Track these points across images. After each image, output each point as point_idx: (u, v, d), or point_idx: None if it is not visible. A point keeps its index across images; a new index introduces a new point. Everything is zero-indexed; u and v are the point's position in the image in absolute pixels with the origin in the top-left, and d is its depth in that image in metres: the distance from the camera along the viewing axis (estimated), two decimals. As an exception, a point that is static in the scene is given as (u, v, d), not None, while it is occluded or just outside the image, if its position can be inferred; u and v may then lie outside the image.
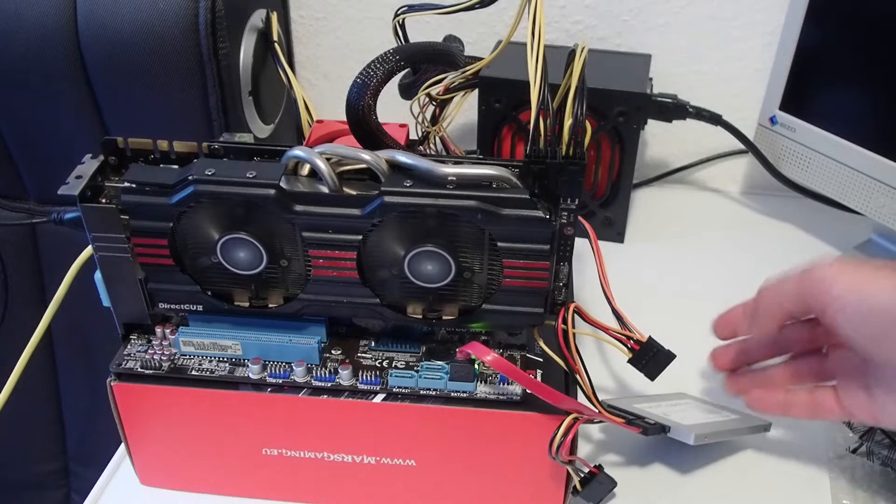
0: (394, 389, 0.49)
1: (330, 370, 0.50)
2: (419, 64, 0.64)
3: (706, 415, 0.57)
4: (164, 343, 0.52)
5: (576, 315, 0.49)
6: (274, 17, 0.77)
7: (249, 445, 0.52)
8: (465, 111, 0.74)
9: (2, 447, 0.97)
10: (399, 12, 0.65)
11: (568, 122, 0.47)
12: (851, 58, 0.71)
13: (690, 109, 0.79)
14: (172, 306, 0.50)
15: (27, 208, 0.85)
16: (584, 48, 0.50)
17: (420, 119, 0.67)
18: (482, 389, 0.49)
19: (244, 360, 0.51)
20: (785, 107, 0.76)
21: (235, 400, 0.50)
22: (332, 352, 0.51)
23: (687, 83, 0.86)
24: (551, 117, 0.46)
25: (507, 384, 0.49)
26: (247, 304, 0.50)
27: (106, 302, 0.50)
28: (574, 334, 0.48)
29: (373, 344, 0.51)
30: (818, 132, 0.74)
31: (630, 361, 0.50)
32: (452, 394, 0.49)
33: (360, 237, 0.46)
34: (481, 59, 0.63)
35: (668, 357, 0.50)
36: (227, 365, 0.51)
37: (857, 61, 0.71)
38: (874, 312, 0.42)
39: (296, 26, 0.90)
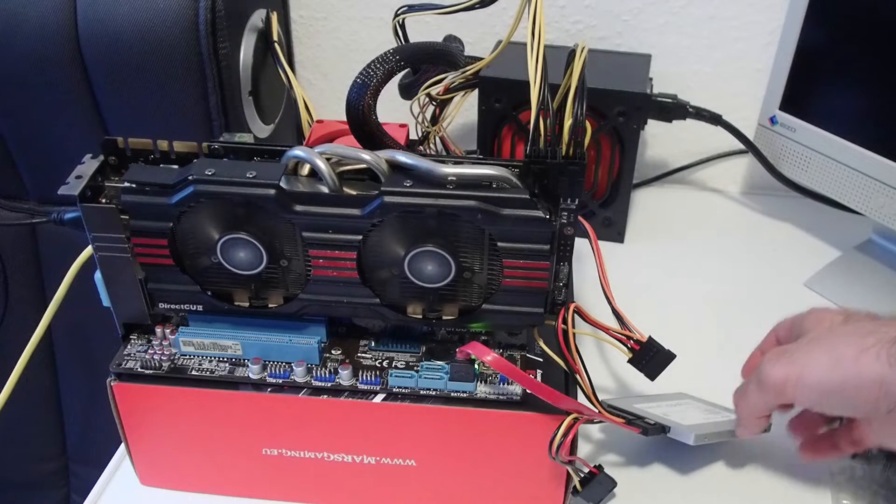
0: (394, 389, 0.49)
1: (330, 370, 0.50)
2: (419, 64, 0.64)
3: (706, 415, 0.57)
4: (164, 343, 0.52)
5: (576, 315, 0.49)
6: (274, 17, 0.77)
7: (249, 445, 0.52)
8: (465, 111, 0.74)
9: (2, 447, 0.97)
10: (399, 12, 0.65)
11: (568, 122, 0.47)
12: (851, 58, 0.71)
13: (690, 109, 0.79)
14: (172, 306, 0.50)
15: (27, 208, 0.85)
16: (584, 48, 0.50)
17: (420, 119, 0.67)
18: (482, 389, 0.49)
19: (244, 360, 0.51)
20: (785, 107, 0.76)
21: (235, 400, 0.50)
22: (332, 352, 0.51)
23: (687, 83, 0.86)
24: (551, 117, 0.46)
25: (507, 384, 0.49)
26: (247, 304, 0.50)
27: (106, 302, 0.50)
28: (574, 334, 0.48)
29: (373, 344, 0.51)
30: (818, 132, 0.74)
31: (630, 361, 0.50)
32: (452, 394, 0.49)
33: (360, 237, 0.46)
34: (481, 59, 0.63)
35: (668, 357, 0.50)
36: (227, 365, 0.51)
37: (857, 61, 0.71)
38: (829, 393, 0.47)
39: (296, 26, 0.90)
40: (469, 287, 0.48)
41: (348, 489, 0.54)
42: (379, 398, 0.49)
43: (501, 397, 0.49)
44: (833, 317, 0.53)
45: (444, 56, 0.63)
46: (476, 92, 0.72)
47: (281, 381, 0.50)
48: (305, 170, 0.47)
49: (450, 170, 0.45)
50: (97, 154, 0.49)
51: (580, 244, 0.50)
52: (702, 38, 0.84)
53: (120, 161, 0.49)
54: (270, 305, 0.50)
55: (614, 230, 0.81)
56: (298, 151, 0.47)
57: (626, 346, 0.50)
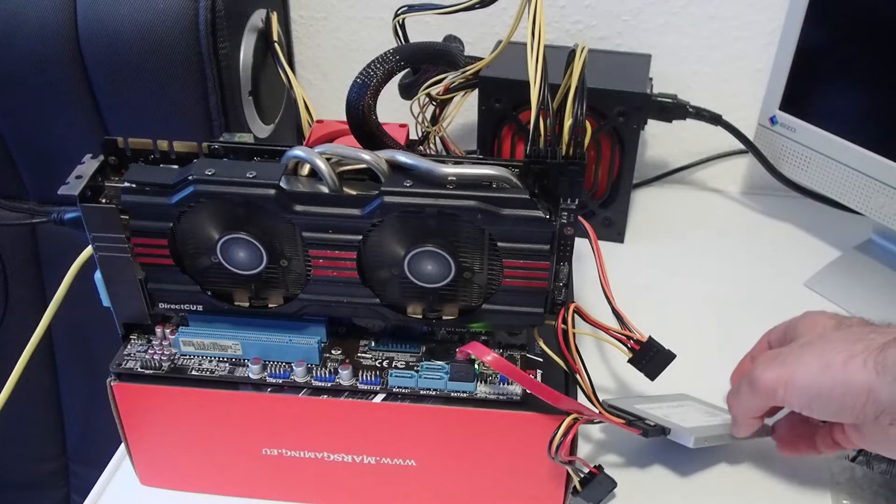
0: (394, 389, 0.49)
1: (330, 370, 0.50)
2: (419, 64, 0.64)
3: (707, 417, 0.57)
4: (164, 343, 0.52)
5: (576, 315, 0.49)
6: (274, 17, 0.77)
7: (249, 445, 0.52)
8: (465, 111, 0.74)
9: (2, 447, 0.97)
10: (399, 12, 0.65)
11: (568, 122, 0.47)
12: (851, 58, 0.71)
13: (690, 109, 0.79)
14: (172, 306, 0.50)
15: (27, 208, 0.85)
16: (584, 48, 0.50)
17: (420, 119, 0.67)
18: (482, 389, 0.49)
19: (244, 360, 0.51)
20: (785, 107, 0.76)
21: (235, 400, 0.50)
22: (332, 352, 0.51)
23: (687, 83, 0.86)
24: (551, 117, 0.46)
25: (507, 384, 0.49)
26: (247, 304, 0.50)
27: (106, 302, 0.50)
28: (574, 334, 0.48)
29: (373, 344, 0.51)
30: (818, 132, 0.74)
31: (630, 361, 0.50)
32: (452, 394, 0.49)
33: (360, 237, 0.46)
34: (481, 59, 0.63)
35: (668, 357, 0.50)
36: (227, 365, 0.51)
37: (857, 61, 0.71)
38: (817, 397, 0.48)
39: (296, 26, 0.90)
40: (469, 287, 0.48)
41: (348, 489, 0.54)
42: (379, 398, 0.49)
43: (501, 397, 0.49)
44: (826, 321, 0.53)
45: (444, 56, 0.63)
46: (476, 92, 0.72)
47: (281, 381, 0.50)
48: (305, 170, 0.47)
49: (450, 170, 0.45)
50: (97, 154, 0.49)
51: (580, 244, 0.50)
52: (702, 38, 0.84)
53: (120, 161, 0.49)
54: (270, 305, 0.50)
55: (614, 230, 0.81)
56: (298, 151, 0.47)
57: (626, 346, 0.50)
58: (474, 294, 0.48)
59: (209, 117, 0.73)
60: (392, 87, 0.58)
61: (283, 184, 0.45)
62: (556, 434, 0.47)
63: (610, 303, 0.51)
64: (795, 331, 0.55)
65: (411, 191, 0.45)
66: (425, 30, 0.74)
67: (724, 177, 0.92)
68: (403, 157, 0.46)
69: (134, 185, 0.46)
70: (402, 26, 0.66)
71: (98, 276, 0.49)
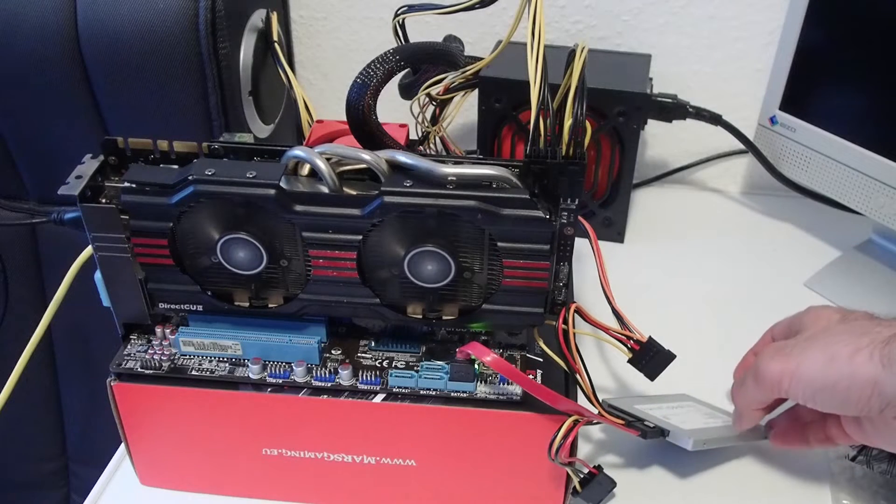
0: (394, 389, 0.49)
1: (330, 370, 0.50)
2: (419, 64, 0.64)
3: (707, 419, 0.57)
4: (164, 343, 0.52)
5: (576, 315, 0.49)
6: (274, 17, 0.77)
7: (249, 445, 0.52)
8: (465, 111, 0.74)
9: (2, 447, 0.97)
10: (399, 12, 0.65)
11: (568, 122, 0.47)
12: (851, 58, 0.71)
13: (690, 109, 0.79)
14: (172, 306, 0.50)
15: (27, 208, 0.85)
16: (584, 48, 0.50)
17: (420, 119, 0.67)
18: (482, 389, 0.49)
19: (244, 360, 0.51)
20: (785, 107, 0.76)
21: (235, 400, 0.50)
22: (332, 352, 0.51)
23: (687, 83, 0.86)
24: (551, 117, 0.46)
25: (507, 384, 0.49)
26: (247, 304, 0.50)
27: (106, 302, 0.50)
28: (574, 334, 0.48)
29: (373, 344, 0.51)
30: (818, 132, 0.74)
31: (630, 361, 0.50)
32: (452, 394, 0.49)
33: (360, 237, 0.46)
34: (481, 59, 0.63)
35: (668, 357, 0.50)
36: (227, 365, 0.51)
37: (857, 61, 0.71)
38: (822, 390, 0.48)
39: (296, 26, 0.90)
40: (469, 287, 0.48)
41: (348, 489, 0.54)
42: (379, 398, 0.49)
43: (501, 397, 0.49)
44: (830, 315, 0.53)
45: (444, 56, 0.63)
46: (476, 92, 0.72)
47: (281, 381, 0.50)
48: (305, 170, 0.47)
49: (450, 170, 0.45)
50: (97, 154, 0.49)
51: (580, 244, 0.50)
52: (702, 38, 0.84)
53: (120, 161, 0.49)
54: (270, 305, 0.50)
55: (614, 230, 0.81)
56: (298, 151, 0.47)
57: (626, 346, 0.50)
58: (474, 294, 0.48)
59: (209, 117, 0.73)
60: (392, 87, 0.58)
61: (283, 184, 0.45)
62: (556, 436, 0.47)
63: (610, 303, 0.51)
64: (800, 324, 0.55)
65: (411, 191, 0.45)
66: (425, 30, 0.74)
67: (724, 177, 0.92)
68: (403, 157, 0.46)
69: (134, 185, 0.46)
70: (402, 26, 0.66)
71: (98, 276, 0.49)
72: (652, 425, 0.53)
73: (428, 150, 0.67)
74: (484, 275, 0.48)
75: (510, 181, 0.46)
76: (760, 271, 0.78)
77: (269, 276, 0.48)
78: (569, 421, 0.47)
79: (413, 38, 0.66)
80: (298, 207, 0.45)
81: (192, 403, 0.51)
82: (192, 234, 0.47)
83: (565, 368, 0.49)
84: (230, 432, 0.52)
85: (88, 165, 0.48)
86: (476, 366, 0.49)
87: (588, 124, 0.65)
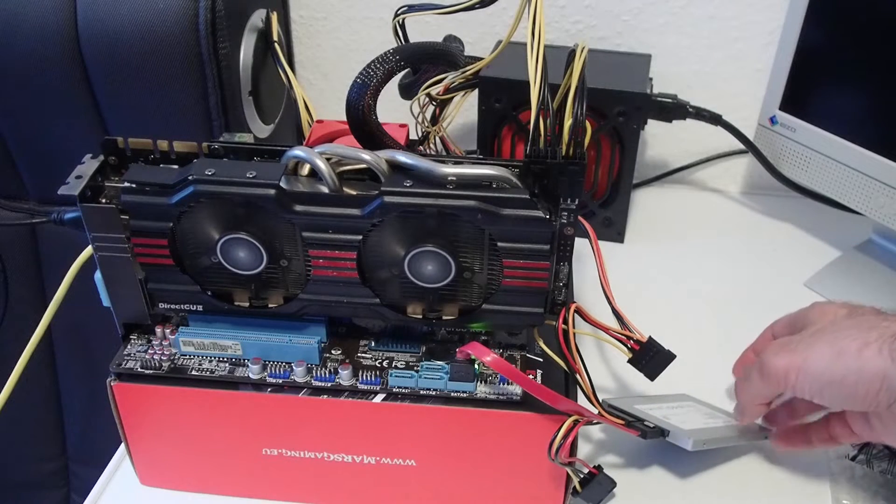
0: (394, 389, 0.49)
1: (330, 370, 0.50)
2: (419, 64, 0.64)
3: (707, 419, 0.57)
4: (164, 343, 0.52)
5: (576, 315, 0.49)
6: (274, 17, 0.77)
7: (249, 445, 0.52)
8: (465, 111, 0.74)
9: (2, 447, 0.97)
10: (399, 12, 0.65)
11: (568, 122, 0.47)
12: (851, 58, 0.71)
13: (690, 109, 0.79)
14: (172, 306, 0.50)
15: (27, 208, 0.85)
16: (584, 48, 0.50)
17: (420, 119, 0.67)
18: (482, 389, 0.49)
19: (244, 360, 0.51)
20: (785, 107, 0.76)
21: (235, 400, 0.50)
22: (332, 352, 0.51)
23: (687, 83, 0.86)
24: (551, 117, 0.46)
25: (507, 384, 0.49)
26: (247, 304, 0.50)
27: (106, 302, 0.50)
28: (574, 334, 0.48)
29: (373, 344, 0.51)
30: (818, 132, 0.74)
31: (630, 361, 0.50)
32: (452, 394, 0.49)
33: (360, 237, 0.46)
34: (481, 59, 0.63)
35: (668, 357, 0.50)
36: (227, 365, 0.51)
37: (857, 61, 0.71)
38: (830, 384, 0.47)
39: (296, 26, 0.90)
40: (469, 287, 0.48)
41: (348, 489, 0.54)
42: (379, 398, 0.49)
43: (501, 397, 0.49)
44: (837, 310, 0.53)
45: (444, 56, 0.63)
46: (476, 92, 0.72)
47: (281, 381, 0.50)
48: (305, 170, 0.47)
49: (450, 170, 0.45)
50: (97, 154, 0.49)
51: (580, 244, 0.50)
52: (702, 38, 0.84)
53: (120, 161, 0.49)
54: (270, 305, 0.50)
55: (614, 230, 0.81)
56: (298, 151, 0.47)
57: (626, 346, 0.50)
58: (474, 294, 0.48)
59: (209, 117, 0.73)
60: (392, 87, 0.58)
61: (283, 184, 0.45)
62: (556, 436, 0.47)
63: (610, 303, 0.51)
64: (804, 320, 0.55)
65: (411, 191, 0.45)
66: (425, 30, 0.74)
67: (724, 177, 0.92)
68: (403, 157, 0.46)
69: (134, 185, 0.46)
70: (402, 26, 0.66)
71: (98, 276, 0.49)
72: (652, 425, 0.53)
73: (428, 150, 0.67)
74: (484, 275, 0.48)
75: (510, 181, 0.46)
76: (760, 271, 0.78)
77: (269, 276, 0.48)
78: (569, 421, 0.47)
79: (413, 38, 0.66)
80: (298, 207, 0.45)
81: (192, 403, 0.51)
82: (192, 234, 0.47)
83: (565, 368, 0.49)
84: (230, 432, 0.52)
85: (88, 165, 0.48)
86: (476, 366, 0.49)
87: (588, 124, 0.65)
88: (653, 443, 0.55)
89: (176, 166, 0.48)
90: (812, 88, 0.74)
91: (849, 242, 0.80)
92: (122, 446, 0.54)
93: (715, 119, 0.80)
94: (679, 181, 0.92)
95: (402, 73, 0.63)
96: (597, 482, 0.51)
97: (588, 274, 0.57)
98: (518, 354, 0.51)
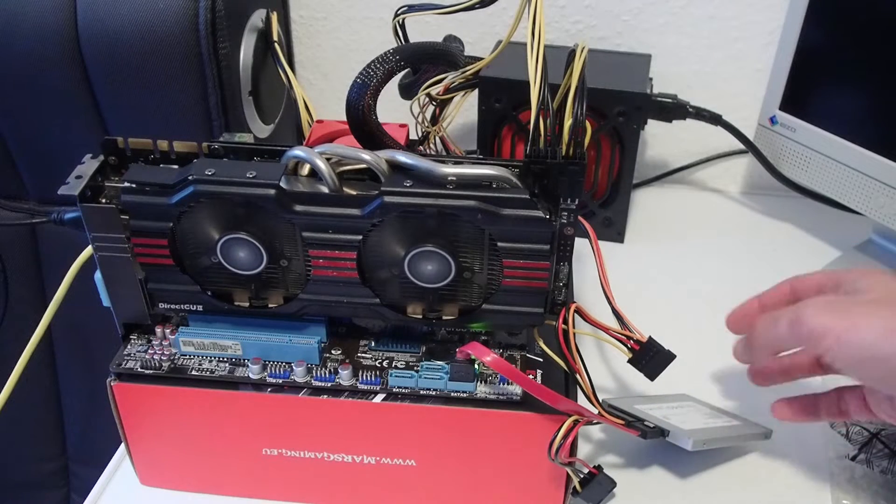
0: (394, 389, 0.49)
1: (330, 370, 0.50)
2: (419, 64, 0.64)
3: (707, 419, 0.57)
4: (164, 343, 0.52)
5: (576, 315, 0.49)
6: (274, 17, 0.77)
7: (249, 445, 0.52)
8: (465, 111, 0.74)
9: (2, 447, 0.97)
10: (399, 12, 0.65)
11: (568, 122, 0.47)
12: (851, 58, 0.71)
13: (690, 109, 0.79)
14: (172, 306, 0.50)
15: (27, 208, 0.85)
16: (584, 48, 0.50)
17: (420, 119, 0.67)
18: (482, 389, 0.49)
19: (244, 360, 0.51)
20: (785, 107, 0.76)
21: (235, 400, 0.50)
22: (332, 352, 0.51)
23: (687, 83, 0.86)
24: (551, 117, 0.46)
25: (507, 384, 0.49)
26: (247, 304, 0.50)
27: (106, 302, 0.50)
28: (574, 334, 0.48)
29: (373, 344, 0.51)
30: (818, 132, 0.74)
31: (630, 361, 0.50)
32: (452, 394, 0.49)
33: (360, 237, 0.46)
34: (481, 59, 0.63)
35: (668, 357, 0.50)
36: (227, 365, 0.51)
37: (857, 61, 0.71)
38: (872, 359, 0.44)
39: (296, 26, 0.90)
40: (469, 287, 0.48)
41: (348, 489, 0.54)
42: (379, 398, 0.49)
43: (501, 397, 0.49)
44: (891, 282, 0.49)
45: (444, 56, 0.63)
46: (476, 92, 0.72)
47: (281, 381, 0.50)
48: (305, 170, 0.47)
49: (450, 170, 0.45)
50: (97, 154, 0.49)
51: (580, 244, 0.50)
52: (702, 38, 0.84)
53: (120, 161, 0.49)
54: (270, 305, 0.50)
55: (614, 230, 0.81)
56: (298, 151, 0.47)
57: (626, 346, 0.50)
58: (474, 294, 0.48)
59: (209, 117, 0.73)
60: (392, 87, 0.58)
61: (283, 184, 0.45)
62: (556, 436, 0.47)
63: (610, 303, 0.51)
64: (852, 285, 0.50)
65: (411, 191, 0.45)
66: (425, 30, 0.74)
67: (724, 177, 0.92)
68: (403, 157, 0.46)
69: (134, 185, 0.46)
70: (402, 26, 0.66)
71: (98, 276, 0.49)
72: (652, 425, 0.53)
73: (428, 150, 0.67)
74: (484, 275, 0.48)
75: (510, 181, 0.46)
76: (760, 271, 0.77)
77: (269, 276, 0.48)
78: (569, 421, 0.47)
79: (413, 38, 0.66)
80: (298, 207, 0.45)
81: (192, 403, 0.51)
82: (192, 234, 0.47)
83: (565, 368, 0.49)
84: (230, 432, 0.52)
85: (88, 165, 0.48)
86: (476, 366, 0.49)
87: (588, 124, 0.65)
88: (653, 443, 0.55)
89: (176, 166, 0.48)
90: (812, 88, 0.74)
91: (849, 242, 0.80)
92: (122, 446, 0.54)
93: (715, 119, 0.80)
94: (679, 181, 0.92)
95: (402, 73, 0.63)
96: (597, 482, 0.51)
97: (588, 274, 0.57)
98: (518, 354, 0.51)
